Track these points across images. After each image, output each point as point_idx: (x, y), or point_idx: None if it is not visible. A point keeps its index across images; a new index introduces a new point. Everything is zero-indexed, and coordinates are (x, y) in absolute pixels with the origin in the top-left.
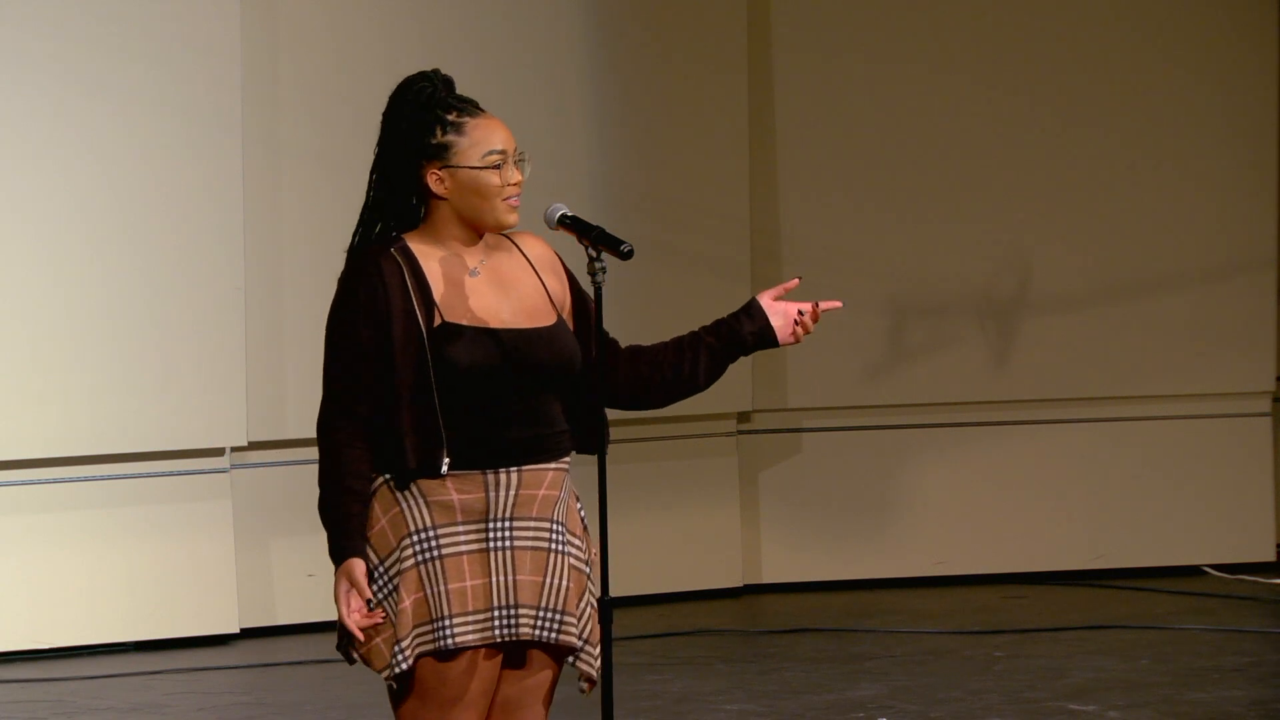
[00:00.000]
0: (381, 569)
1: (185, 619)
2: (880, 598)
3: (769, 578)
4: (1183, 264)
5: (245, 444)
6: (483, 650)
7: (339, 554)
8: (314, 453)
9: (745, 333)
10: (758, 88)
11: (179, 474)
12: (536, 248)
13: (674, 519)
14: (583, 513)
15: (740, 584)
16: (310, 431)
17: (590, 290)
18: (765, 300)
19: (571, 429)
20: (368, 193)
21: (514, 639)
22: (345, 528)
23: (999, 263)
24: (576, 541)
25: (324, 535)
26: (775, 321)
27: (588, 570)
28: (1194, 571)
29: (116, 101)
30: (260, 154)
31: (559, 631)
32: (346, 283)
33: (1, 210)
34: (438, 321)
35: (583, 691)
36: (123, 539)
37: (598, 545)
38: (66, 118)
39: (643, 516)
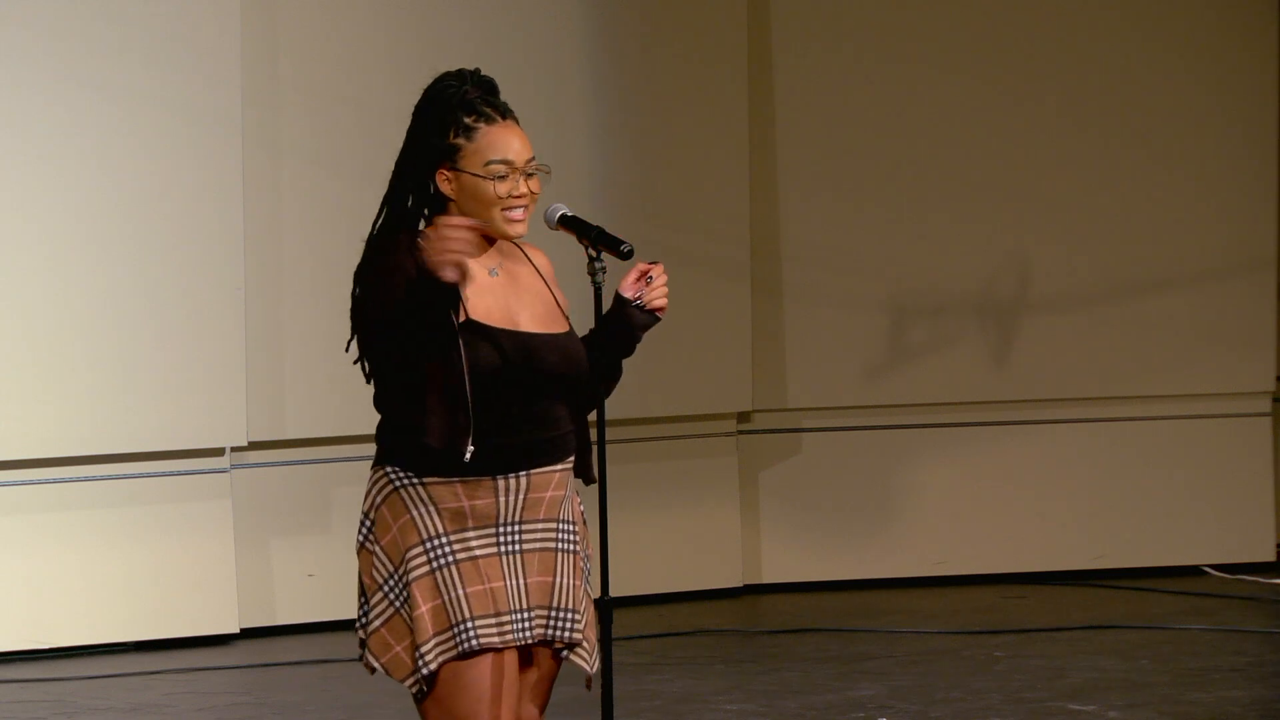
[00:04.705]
0: (395, 577)
1: (185, 619)
2: (880, 598)
3: (769, 578)
4: (1183, 264)
5: (245, 444)
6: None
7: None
8: (314, 453)
9: (632, 336)
10: (758, 88)
11: (179, 474)
12: (541, 258)
13: (674, 519)
14: (582, 507)
15: (740, 584)
16: (311, 431)
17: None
18: (626, 292)
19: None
20: (390, 183)
21: (530, 641)
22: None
23: (999, 263)
24: (579, 536)
25: (323, 536)
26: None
27: (587, 565)
28: (1194, 571)
29: (116, 101)
30: (260, 154)
31: (571, 629)
32: (385, 248)
33: (2, 210)
34: (463, 317)
35: (587, 687)
36: (123, 539)
37: (595, 545)
38: (66, 117)
39: (643, 516)
